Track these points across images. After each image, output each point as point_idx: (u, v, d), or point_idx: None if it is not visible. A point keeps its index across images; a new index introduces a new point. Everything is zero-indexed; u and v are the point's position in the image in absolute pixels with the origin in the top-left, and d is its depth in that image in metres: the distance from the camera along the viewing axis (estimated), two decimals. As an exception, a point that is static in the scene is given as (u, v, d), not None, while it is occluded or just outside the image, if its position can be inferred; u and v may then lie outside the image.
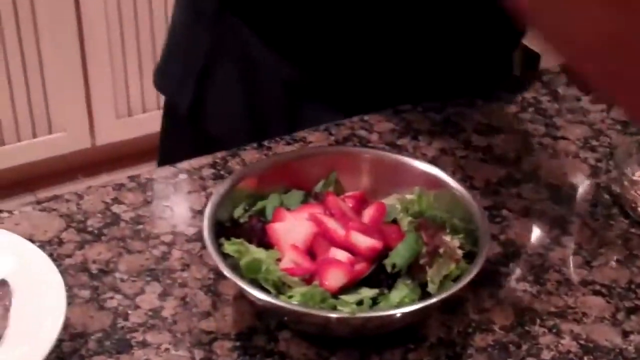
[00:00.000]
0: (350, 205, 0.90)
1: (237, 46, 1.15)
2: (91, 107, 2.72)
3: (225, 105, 1.18)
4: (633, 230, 0.98)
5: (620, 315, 0.87)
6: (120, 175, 1.02)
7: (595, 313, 0.88)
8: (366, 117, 1.12)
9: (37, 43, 2.56)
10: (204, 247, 0.89)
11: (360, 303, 0.80)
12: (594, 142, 1.11)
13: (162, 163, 1.12)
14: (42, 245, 0.91)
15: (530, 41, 2.24)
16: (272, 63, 1.13)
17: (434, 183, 0.91)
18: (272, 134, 1.10)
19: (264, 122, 1.15)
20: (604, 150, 1.10)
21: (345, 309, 0.78)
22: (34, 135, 2.68)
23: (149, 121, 2.72)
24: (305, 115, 1.13)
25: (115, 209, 0.97)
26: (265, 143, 1.07)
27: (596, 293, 0.90)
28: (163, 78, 1.26)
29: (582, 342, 0.84)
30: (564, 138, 1.12)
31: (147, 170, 1.03)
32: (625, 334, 0.85)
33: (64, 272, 0.88)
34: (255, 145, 1.06)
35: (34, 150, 2.67)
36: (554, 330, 0.85)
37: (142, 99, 2.77)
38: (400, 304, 0.81)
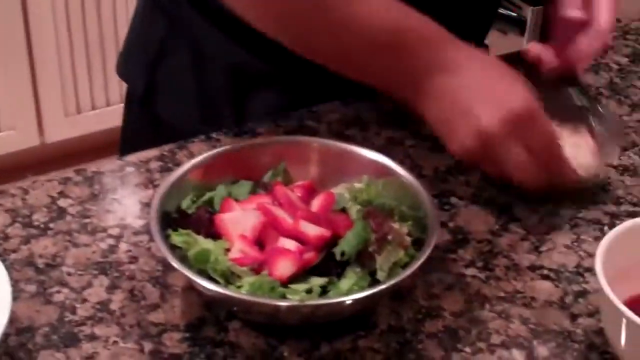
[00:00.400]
0: (299, 194, 0.90)
1: (189, 32, 1.14)
2: (39, 104, 2.69)
3: (176, 91, 1.18)
4: (580, 215, 0.98)
5: (568, 299, 0.88)
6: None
7: (543, 297, 0.88)
8: (314, 108, 1.12)
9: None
10: (152, 239, 0.88)
11: (309, 291, 0.80)
12: (541, 129, 1.12)
13: (123, 152, 1.12)
14: (-14, 241, 0.90)
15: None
16: (223, 48, 1.12)
17: (382, 171, 0.92)
18: (221, 120, 1.10)
19: (213, 108, 1.15)
20: (551, 137, 1.10)
21: (294, 297, 0.78)
22: (-18, 134, 2.65)
23: (98, 118, 2.70)
24: (253, 102, 1.13)
25: (62, 202, 0.96)
26: (214, 135, 1.06)
27: (544, 277, 0.90)
28: (124, 64, 1.26)
29: (531, 326, 0.85)
30: (511, 126, 1.12)
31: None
32: (574, 317, 0.86)
33: (9, 267, 0.87)
34: (203, 137, 1.06)
35: (-18, 148, 2.64)
36: (503, 315, 0.86)
37: (91, 96, 2.75)
38: (349, 292, 0.81)
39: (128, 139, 1.27)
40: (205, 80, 1.15)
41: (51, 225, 0.93)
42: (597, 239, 0.93)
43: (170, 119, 1.19)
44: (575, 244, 0.95)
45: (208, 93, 1.15)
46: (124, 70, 1.26)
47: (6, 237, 0.91)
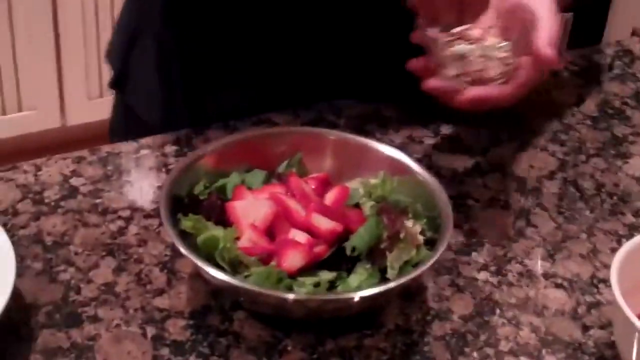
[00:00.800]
0: (313, 187, 0.88)
1: (154, 25, 1.13)
2: (62, 86, 2.69)
3: (143, 83, 1.16)
4: (598, 225, 0.97)
5: (581, 310, 0.86)
6: (91, 158, 1.00)
7: (555, 306, 0.86)
8: (335, 102, 1.11)
9: (9, 20, 2.52)
10: (162, 223, 0.87)
11: (317, 285, 0.79)
12: (563, 136, 1.10)
13: (110, 141, 1.12)
14: (-5, 215, 0.89)
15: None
16: (181, 46, 1.11)
17: (399, 168, 0.90)
18: (179, 120, 1.09)
19: (172, 106, 1.14)
20: (573, 145, 1.09)
21: (302, 290, 0.77)
22: (4, 113, 2.64)
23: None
24: (209, 104, 1.12)
25: (74, 181, 0.95)
26: (232, 123, 1.05)
27: (558, 286, 0.89)
28: (109, 51, 1.24)
29: (541, 335, 0.83)
30: (532, 131, 1.11)
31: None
32: (585, 329, 0.84)
33: (17, 242, 0.87)
34: (220, 124, 1.05)
35: (3, 127, 2.64)
36: (513, 322, 0.84)
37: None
38: (358, 288, 0.79)
39: (113, 129, 1.27)
40: (166, 77, 1.13)
41: (62, 203, 0.92)
42: (614, 250, 0.92)
43: (138, 111, 1.18)
44: (591, 254, 0.93)
45: (168, 90, 1.14)
46: (109, 56, 1.25)
47: (16, 213, 0.91)
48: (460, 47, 0.89)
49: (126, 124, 1.21)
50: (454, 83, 0.90)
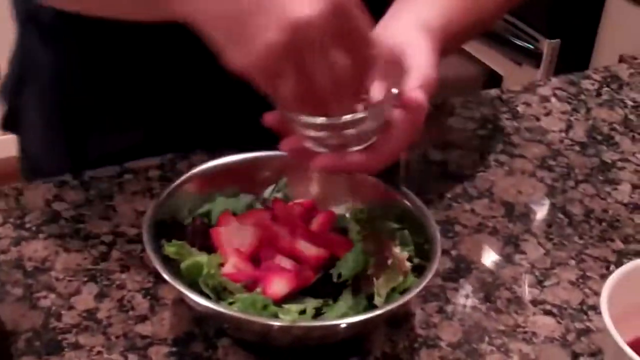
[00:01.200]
0: (299, 212, 0.87)
1: (40, 67, 1.08)
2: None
3: (30, 122, 1.12)
4: (587, 251, 0.96)
5: (570, 337, 0.85)
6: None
7: (545, 333, 0.85)
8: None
9: None
10: (145, 249, 0.85)
11: (303, 312, 0.77)
12: (552, 162, 1.09)
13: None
14: (-25, 240, 0.88)
15: (494, 61, 2.24)
16: (58, 82, 1.07)
17: (386, 193, 0.89)
18: (58, 163, 1.07)
19: (53, 146, 1.10)
20: (561, 171, 1.08)
21: (287, 318, 0.76)
22: None
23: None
24: (90, 148, 1.08)
25: (56, 206, 0.94)
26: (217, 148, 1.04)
27: (547, 313, 0.88)
28: (3, 86, 1.17)
29: (530, 362, 0.82)
30: (521, 156, 1.10)
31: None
32: (575, 356, 0.83)
33: (-3, 268, 0.85)
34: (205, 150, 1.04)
35: None
36: (502, 349, 0.83)
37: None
38: (344, 315, 0.78)
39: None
40: (48, 119, 1.09)
41: (43, 228, 0.91)
42: (604, 276, 0.91)
43: (28, 152, 1.15)
44: (581, 280, 0.92)
45: (50, 132, 1.10)
46: (2, 91, 1.18)
47: (-4, 238, 0.89)
48: (312, 119, 0.77)
49: (23, 163, 1.18)
50: (312, 145, 0.80)
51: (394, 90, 0.79)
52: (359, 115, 0.76)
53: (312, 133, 0.78)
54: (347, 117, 0.76)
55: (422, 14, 0.87)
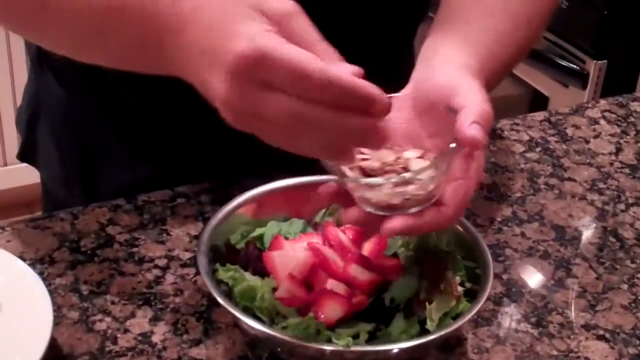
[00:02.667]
0: (350, 236, 0.87)
1: (50, 96, 1.09)
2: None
3: (45, 153, 1.13)
4: (639, 275, 0.95)
5: (623, 362, 0.85)
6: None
7: (598, 358, 0.85)
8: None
9: None
10: (198, 272, 0.86)
11: (356, 337, 0.78)
12: (602, 185, 1.09)
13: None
14: (32, 264, 0.89)
15: (540, 83, 2.24)
16: (73, 118, 1.08)
17: (437, 217, 0.89)
18: (75, 192, 1.08)
19: (74, 176, 1.10)
20: (612, 194, 1.08)
21: (340, 342, 0.76)
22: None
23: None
24: (103, 180, 1.08)
25: (110, 230, 0.95)
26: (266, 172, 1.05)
27: (599, 338, 0.87)
28: (18, 118, 1.19)
29: (583, 387, 0.82)
30: (570, 179, 1.10)
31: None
32: (628, 382, 0.83)
33: (53, 291, 0.86)
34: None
35: None
36: (555, 374, 0.83)
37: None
38: (397, 340, 0.78)
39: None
40: (63, 152, 1.10)
41: (98, 252, 0.92)
42: (657, 301, 0.90)
43: (48, 184, 1.16)
44: (633, 304, 0.91)
45: (65, 165, 1.11)
46: (17, 122, 1.20)
47: (52, 262, 0.90)
48: (370, 180, 0.77)
49: (43, 194, 1.19)
50: (374, 210, 0.77)
51: (452, 145, 0.77)
52: (422, 165, 0.76)
53: (371, 194, 0.77)
54: (408, 174, 0.75)
55: (460, 54, 0.85)
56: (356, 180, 0.77)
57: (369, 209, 0.78)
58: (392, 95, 0.77)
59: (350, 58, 1.04)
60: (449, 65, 0.83)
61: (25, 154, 1.17)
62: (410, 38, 1.13)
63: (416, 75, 0.85)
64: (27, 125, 1.14)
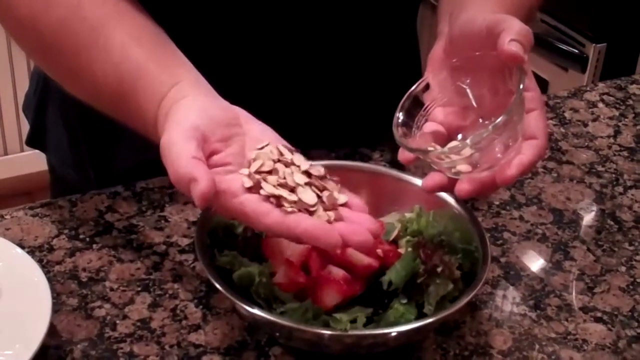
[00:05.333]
0: (348, 221, 0.88)
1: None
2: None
3: (54, 136, 1.13)
4: (637, 257, 0.95)
5: (621, 344, 0.85)
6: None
7: (596, 340, 0.85)
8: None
9: None
10: (197, 258, 0.86)
11: (354, 321, 0.78)
12: (600, 168, 1.09)
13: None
14: (31, 251, 0.89)
15: (539, 67, 2.23)
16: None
17: (435, 202, 0.89)
18: (88, 174, 1.08)
19: (85, 158, 1.11)
20: (610, 176, 1.08)
21: (338, 326, 0.76)
22: None
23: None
24: (115, 163, 1.09)
25: (109, 217, 0.95)
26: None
27: (597, 320, 0.87)
28: (26, 104, 1.19)
29: (581, 370, 0.82)
30: (569, 162, 1.10)
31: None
32: (626, 363, 0.83)
33: (52, 278, 0.87)
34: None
35: None
36: (553, 357, 0.83)
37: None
38: (395, 324, 0.79)
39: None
40: (73, 135, 1.10)
41: (97, 239, 0.92)
42: (654, 283, 0.91)
43: (58, 169, 1.17)
44: (631, 287, 0.92)
45: (76, 148, 1.11)
46: (26, 109, 1.20)
47: (51, 249, 0.91)
48: (452, 144, 0.82)
49: (51, 178, 1.19)
50: (452, 175, 0.82)
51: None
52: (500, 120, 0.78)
53: (446, 162, 0.80)
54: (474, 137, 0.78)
55: (490, 6, 0.88)
56: (437, 151, 0.81)
57: (448, 174, 0.82)
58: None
59: (354, 43, 1.05)
60: (485, 13, 0.85)
61: (35, 140, 1.17)
62: (412, 20, 1.13)
63: (452, 29, 0.86)
64: (35, 109, 1.14)
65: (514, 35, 0.79)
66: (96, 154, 1.09)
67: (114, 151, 1.08)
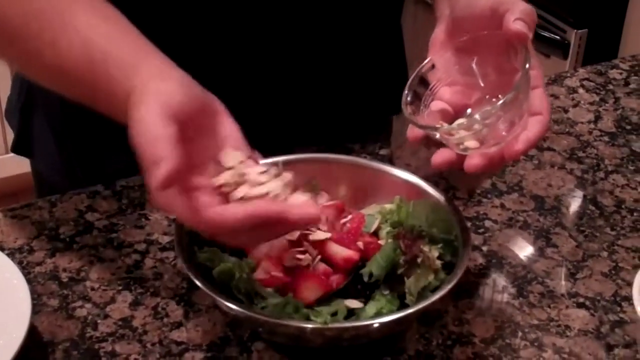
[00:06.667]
0: (329, 214, 0.87)
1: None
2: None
3: (40, 138, 1.12)
4: (619, 242, 0.95)
5: (604, 329, 0.85)
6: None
7: (578, 326, 0.85)
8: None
9: None
10: (177, 256, 0.86)
11: (335, 314, 0.78)
12: (581, 154, 1.09)
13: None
14: (11, 253, 0.89)
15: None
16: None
17: (414, 192, 0.89)
18: (77, 178, 1.07)
19: (70, 162, 1.09)
20: (591, 162, 1.08)
21: (319, 320, 0.76)
22: None
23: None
24: (105, 166, 1.07)
25: (89, 217, 0.95)
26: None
27: (580, 306, 0.87)
28: (8, 109, 1.17)
29: (564, 355, 0.82)
30: (550, 149, 1.10)
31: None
32: (610, 348, 0.83)
33: (33, 280, 0.86)
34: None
35: None
36: (536, 344, 0.83)
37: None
38: (377, 315, 0.78)
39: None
40: (61, 140, 1.08)
41: (77, 239, 0.92)
42: (636, 267, 0.91)
43: (45, 175, 1.15)
44: (613, 272, 0.92)
45: (64, 152, 1.09)
46: (8, 115, 1.18)
47: (31, 250, 0.90)
48: (459, 121, 0.84)
49: (38, 186, 1.18)
50: (460, 151, 0.84)
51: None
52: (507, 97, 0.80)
53: (454, 138, 0.82)
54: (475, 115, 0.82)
55: None
56: (446, 127, 0.83)
57: (457, 150, 0.83)
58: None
59: (338, 38, 1.05)
60: None
61: (21, 146, 1.15)
62: (397, 14, 1.13)
63: (454, 11, 0.88)
64: (20, 114, 1.13)
65: (518, 14, 0.82)
66: (85, 159, 1.08)
67: (104, 154, 1.07)
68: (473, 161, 0.82)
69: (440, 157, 0.85)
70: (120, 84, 0.77)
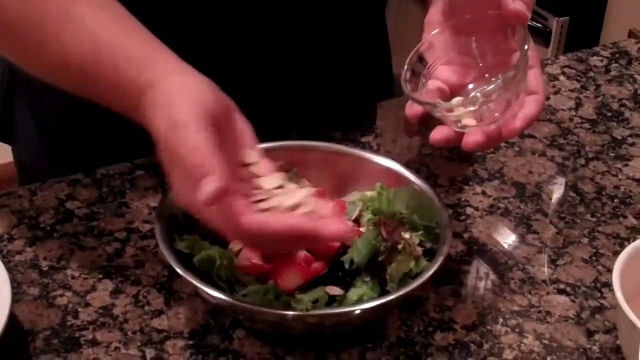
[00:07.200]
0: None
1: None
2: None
3: (22, 124, 1.11)
4: (599, 229, 0.96)
5: (584, 315, 0.85)
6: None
7: (559, 312, 0.85)
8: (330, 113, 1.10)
9: None
10: (158, 244, 0.86)
11: (316, 301, 0.78)
12: (561, 141, 1.09)
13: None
14: (-9, 242, 0.89)
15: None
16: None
17: (395, 179, 0.89)
18: (60, 165, 1.07)
19: (53, 150, 1.08)
20: (572, 149, 1.08)
21: (300, 307, 0.76)
22: None
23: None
24: (88, 153, 1.06)
25: (69, 205, 0.95)
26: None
27: (561, 292, 0.88)
28: None
29: (545, 341, 0.82)
30: (530, 136, 1.10)
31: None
32: (590, 334, 0.83)
33: (13, 268, 0.86)
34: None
35: None
36: (517, 330, 0.83)
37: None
38: (358, 302, 0.78)
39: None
40: (44, 126, 1.08)
41: (57, 227, 0.92)
42: (616, 253, 0.90)
43: (27, 160, 1.14)
44: (594, 258, 0.92)
45: (47, 139, 1.08)
46: None
47: (11, 239, 0.90)
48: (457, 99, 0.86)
49: (21, 173, 1.17)
50: (458, 128, 0.85)
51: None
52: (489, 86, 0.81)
53: (453, 115, 0.83)
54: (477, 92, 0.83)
55: None
56: (447, 104, 0.84)
57: (455, 128, 0.84)
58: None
59: (323, 32, 1.05)
60: None
61: (2, 133, 1.14)
62: (382, 5, 1.13)
63: None
64: (2, 102, 1.12)
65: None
66: (68, 147, 1.07)
67: (87, 143, 1.06)
68: (471, 138, 0.83)
69: (439, 133, 0.85)
70: (130, 78, 0.76)
